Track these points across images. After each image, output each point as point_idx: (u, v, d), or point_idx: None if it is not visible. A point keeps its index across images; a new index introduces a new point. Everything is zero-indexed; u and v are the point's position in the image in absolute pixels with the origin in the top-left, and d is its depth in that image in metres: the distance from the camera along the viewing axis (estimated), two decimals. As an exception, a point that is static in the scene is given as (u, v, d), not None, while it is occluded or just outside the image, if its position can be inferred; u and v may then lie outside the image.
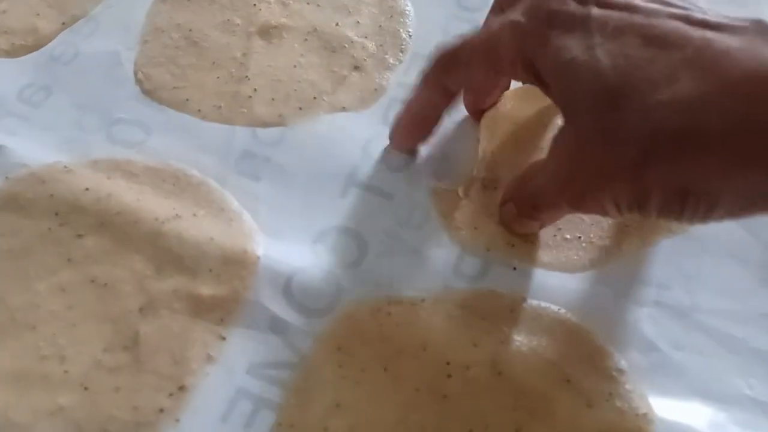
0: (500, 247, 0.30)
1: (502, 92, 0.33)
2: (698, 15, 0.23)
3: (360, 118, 0.34)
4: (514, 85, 0.34)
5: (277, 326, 0.28)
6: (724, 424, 0.26)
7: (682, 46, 0.23)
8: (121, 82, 0.35)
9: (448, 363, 0.27)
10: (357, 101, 0.35)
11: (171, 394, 0.27)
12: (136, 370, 0.27)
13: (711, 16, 0.23)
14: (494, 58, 0.27)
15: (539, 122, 0.33)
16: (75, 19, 0.38)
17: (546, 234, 0.30)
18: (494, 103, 0.33)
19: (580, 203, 0.26)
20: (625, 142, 0.23)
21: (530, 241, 0.30)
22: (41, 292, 0.29)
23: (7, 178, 0.32)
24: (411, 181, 0.32)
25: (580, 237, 0.30)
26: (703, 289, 0.29)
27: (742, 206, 0.23)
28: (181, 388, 0.27)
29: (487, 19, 0.30)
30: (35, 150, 0.33)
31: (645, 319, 0.28)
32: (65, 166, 0.32)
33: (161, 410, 0.26)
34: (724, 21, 0.23)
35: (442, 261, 0.30)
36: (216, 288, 0.29)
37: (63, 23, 0.38)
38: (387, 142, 0.33)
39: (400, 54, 0.36)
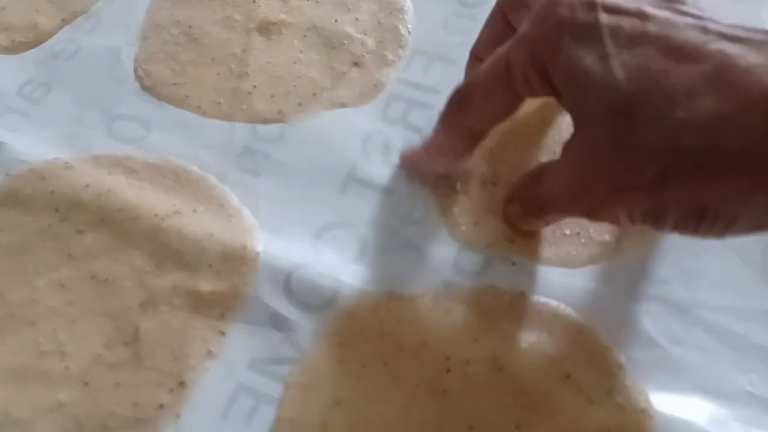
0: (500, 243, 0.30)
1: None
2: (713, 25, 0.23)
3: (359, 114, 0.34)
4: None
5: (277, 322, 0.28)
6: (725, 419, 0.26)
7: (701, 60, 0.22)
8: (121, 79, 0.35)
9: (448, 359, 0.27)
10: (356, 97, 0.34)
11: (171, 390, 0.27)
12: (136, 365, 0.27)
13: (726, 27, 0.22)
14: (507, 77, 0.26)
15: (539, 120, 0.33)
16: (75, 16, 0.38)
17: (546, 230, 0.30)
18: None
19: (593, 213, 0.25)
20: (642, 156, 0.22)
21: (530, 236, 0.30)
22: (41, 288, 0.29)
23: (7, 174, 0.32)
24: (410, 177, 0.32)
25: (579, 233, 0.30)
26: (703, 284, 0.29)
27: (760, 223, 0.22)
28: (181, 384, 0.27)
29: (468, 67, 0.29)
30: (35, 146, 0.33)
31: (645, 315, 0.28)
32: (65, 163, 0.32)
33: (161, 406, 0.26)
34: (742, 33, 0.22)
35: (442, 257, 0.30)
36: (216, 284, 0.29)
37: (63, 19, 0.38)
38: (386, 138, 0.33)
39: (400, 50, 0.36)
